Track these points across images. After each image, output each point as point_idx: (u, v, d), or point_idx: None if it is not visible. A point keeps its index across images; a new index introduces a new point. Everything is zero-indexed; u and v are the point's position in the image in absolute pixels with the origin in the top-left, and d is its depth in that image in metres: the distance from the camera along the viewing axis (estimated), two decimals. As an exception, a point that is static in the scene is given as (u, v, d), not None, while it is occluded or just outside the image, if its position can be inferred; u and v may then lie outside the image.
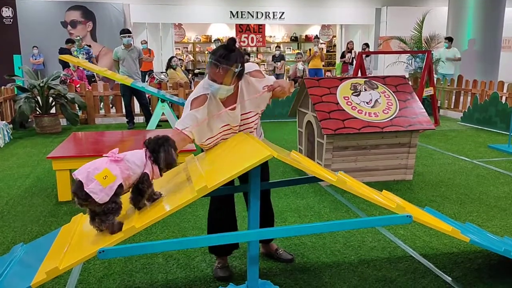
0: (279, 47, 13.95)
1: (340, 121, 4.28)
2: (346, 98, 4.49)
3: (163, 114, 7.44)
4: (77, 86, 8.59)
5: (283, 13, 15.49)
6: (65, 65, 9.42)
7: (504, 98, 7.78)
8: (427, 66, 7.64)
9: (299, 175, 4.66)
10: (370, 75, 10.13)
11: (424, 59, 8.07)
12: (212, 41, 15.43)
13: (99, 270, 2.74)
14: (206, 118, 2.32)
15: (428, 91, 7.84)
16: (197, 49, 16.61)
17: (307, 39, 17.21)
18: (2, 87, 7.76)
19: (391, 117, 4.41)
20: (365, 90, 4.61)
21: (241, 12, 15.18)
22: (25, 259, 2.27)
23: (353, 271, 2.71)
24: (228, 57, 2.22)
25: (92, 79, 9.89)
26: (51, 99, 7.64)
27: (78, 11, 13.63)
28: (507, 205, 3.87)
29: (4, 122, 6.88)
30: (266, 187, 2.68)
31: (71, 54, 9.26)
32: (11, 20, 13.20)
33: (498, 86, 8.14)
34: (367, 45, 12.14)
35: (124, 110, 8.14)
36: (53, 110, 7.81)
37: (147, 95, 8.03)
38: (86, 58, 9.39)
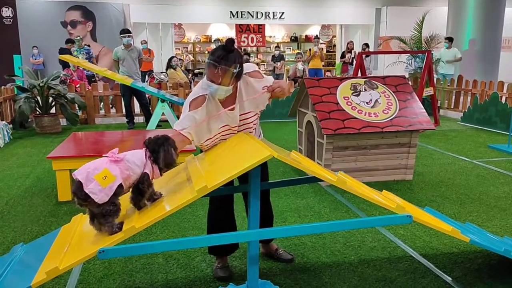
0: (279, 47, 13.95)
1: (340, 121, 4.28)
2: (346, 98, 4.49)
3: (163, 114, 7.44)
4: (77, 86, 8.59)
5: (283, 13, 15.48)
6: (65, 65, 9.41)
7: (504, 98, 7.78)
8: (427, 66, 7.64)
9: (299, 175, 4.66)
10: (370, 75, 10.13)
11: (424, 59, 8.07)
12: (212, 41, 15.44)
13: (99, 270, 2.74)
14: (205, 119, 2.32)
15: (428, 91, 7.84)
16: (197, 49, 16.61)
17: (307, 39, 17.21)
18: (2, 87, 7.76)
19: (391, 117, 4.41)
20: (365, 90, 4.61)
21: (241, 12, 15.18)
22: (25, 259, 2.27)
23: (353, 271, 2.71)
24: (226, 57, 2.22)
25: (93, 79, 9.89)
26: (51, 99, 7.64)
27: (78, 11, 13.63)
28: (507, 205, 3.87)
29: (4, 122, 6.88)
30: (265, 187, 2.68)
31: (71, 54, 9.25)
32: (11, 20, 13.19)
33: (498, 86, 8.15)
34: (367, 45, 12.14)
35: (124, 110, 8.14)
36: (53, 110, 7.81)
37: (147, 95, 8.03)
38: (86, 58, 9.39)
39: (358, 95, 4.55)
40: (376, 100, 4.54)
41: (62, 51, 9.76)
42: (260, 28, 15.18)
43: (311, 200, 3.99)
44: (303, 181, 2.73)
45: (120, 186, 1.95)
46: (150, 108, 8.25)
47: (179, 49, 16.10)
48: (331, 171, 2.53)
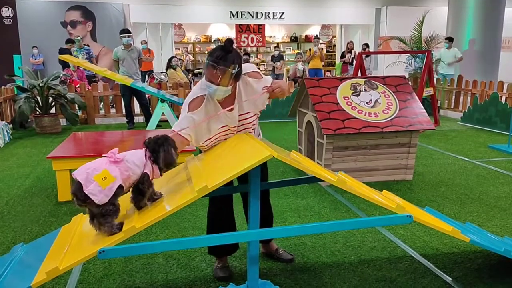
0: (278, 47, 13.95)
1: (340, 121, 4.28)
2: (346, 98, 4.50)
3: (163, 114, 7.44)
4: (77, 86, 8.60)
5: (283, 13, 15.48)
6: (65, 65, 9.42)
7: (504, 98, 7.78)
8: (427, 66, 7.64)
9: (299, 175, 4.66)
10: (370, 75, 10.13)
11: (424, 59, 8.07)
12: (212, 41, 15.43)
13: (99, 270, 2.74)
14: (204, 120, 2.32)
15: (428, 91, 7.84)
16: (197, 49, 16.61)
17: (307, 39, 17.21)
18: (2, 87, 7.76)
19: (391, 117, 4.41)
20: (365, 90, 4.61)
21: (241, 12, 15.18)
22: (25, 259, 2.27)
23: (353, 271, 2.71)
24: (225, 58, 2.21)
25: (93, 79, 9.89)
26: (51, 99, 7.64)
27: (78, 11, 13.62)
28: (507, 205, 3.87)
29: (4, 122, 6.88)
30: (265, 187, 2.68)
31: (71, 54, 9.25)
32: (11, 20, 13.19)
33: (498, 86, 8.14)
34: (367, 45, 12.14)
35: (124, 110, 8.14)
36: (53, 110, 7.81)
37: (147, 95, 8.03)
38: (86, 58, 9.40)
39: (358, 95, 4.55)
40: (376, 100, 4.54)
41: (62, 51, 9.76)
42: (260, 28, 15.17)
43: (311, 200, 3.99)
44: (303, 181, 2.73)
45: (120, 186, 1.95)
46: (150, 108, 8.25)
47: (179, 49, 16.10)
48: (331, 171, 2.53)
